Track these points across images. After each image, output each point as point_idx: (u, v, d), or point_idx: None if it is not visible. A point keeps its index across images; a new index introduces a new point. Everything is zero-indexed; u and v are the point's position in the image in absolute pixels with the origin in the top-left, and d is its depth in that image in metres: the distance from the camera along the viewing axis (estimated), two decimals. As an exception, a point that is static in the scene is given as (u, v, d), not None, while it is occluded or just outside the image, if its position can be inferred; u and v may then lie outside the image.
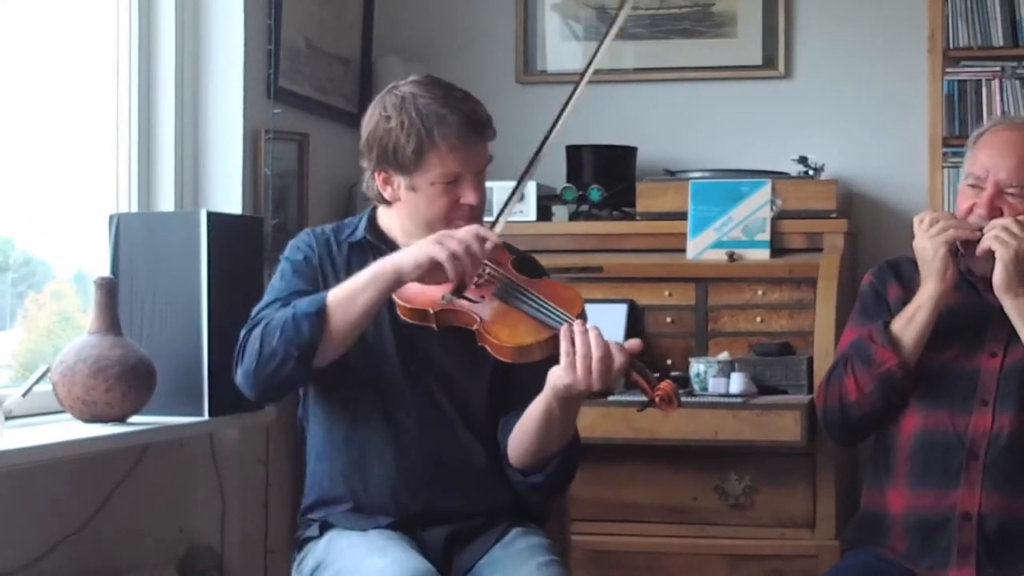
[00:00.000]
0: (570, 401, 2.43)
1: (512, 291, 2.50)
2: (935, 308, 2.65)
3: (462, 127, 2.50)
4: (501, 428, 2.58)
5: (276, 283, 2.62)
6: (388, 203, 2.60)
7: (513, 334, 2.45)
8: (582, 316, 2.46)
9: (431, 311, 2.50)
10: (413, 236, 2.58)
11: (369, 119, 2.57)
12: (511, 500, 2.60)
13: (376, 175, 2.57)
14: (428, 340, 2.55)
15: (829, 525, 3.58)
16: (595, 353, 2.34)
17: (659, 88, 4.41)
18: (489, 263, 2.53)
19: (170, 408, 3.05)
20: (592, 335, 2.35)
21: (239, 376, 2.50)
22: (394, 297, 2.52)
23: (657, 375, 2.43)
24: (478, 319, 2.47)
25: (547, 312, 2.45)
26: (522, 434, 2.51)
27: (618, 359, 2.35)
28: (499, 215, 2.58)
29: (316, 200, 3.98)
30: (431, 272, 2.39)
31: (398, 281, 2.41)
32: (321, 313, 2.40)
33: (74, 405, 2.90)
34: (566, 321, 2.41)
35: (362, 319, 2.43)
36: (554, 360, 2.41)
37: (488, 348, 2.46)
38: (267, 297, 2.60)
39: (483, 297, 2.49)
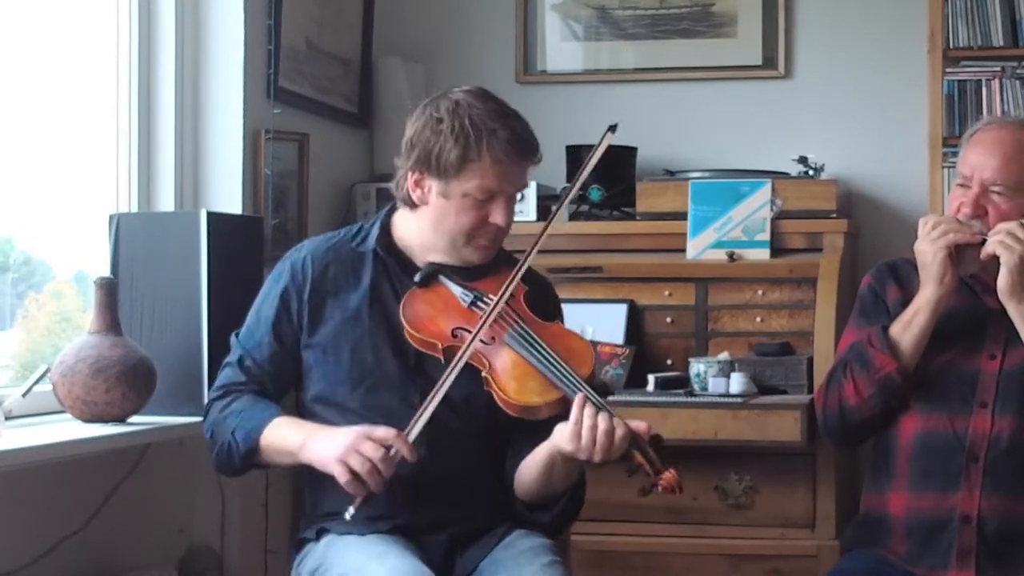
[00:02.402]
0: (571, 462, 2.43)
1: (524, 340, 2.47)
2: (933, 312, 2.65)
3: (510, 144, 2.48)
4: (510, 457, 2.57)
5: (251, 318, 2.64)
6: (413, 206, 2.57)
7: (520, 390, 2.43)
8: (592, 375, 2.45)
9: (440, 345, 2.49)
10: (431, 247, 2.57)
11: (417, 119, 2.54)
12: (513, 512, 2.60)
13: (409, 175, 2.54)
14: (431, 360, 2.53)
15: (829, 525, 3.58)
16: (601, 427, 2.34)
17: (659, 88, 4.41)
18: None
19: (170, 408, 3.05)
20: (603, 412, 2.35)
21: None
22: (403, 321, 2.52)
23: (662, 459, 2.39)
24: (487, 364, 2.45)
25: (558, 372, 2.42)
26: (527, 474, 2.51)
27: (620, 438, 2.35)
28: (417, 418, 2.41)
29: (316, 200, 3.98)
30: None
31: (303, 465, 2.49)
32: (251, 453, 2.53)
33: (74, 405, 2.90)
34: (577, 387, 2.39)
35: (281, 467, 2.62)
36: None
37: (494, 397, 2.44)
38: (243, 335, 2.64)
39: (494, 339, 2.47)
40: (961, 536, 2.61)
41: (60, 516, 2.96)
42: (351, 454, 2.35)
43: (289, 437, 2.48)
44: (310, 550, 2.58)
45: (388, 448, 2.36)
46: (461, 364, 2.42)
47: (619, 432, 2.35)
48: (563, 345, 2.47)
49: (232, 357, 2.64)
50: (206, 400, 2.68)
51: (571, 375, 2.41)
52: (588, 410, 2.35)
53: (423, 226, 2.57)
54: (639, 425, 2.39)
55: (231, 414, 2.55)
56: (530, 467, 2.50)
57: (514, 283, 2.50)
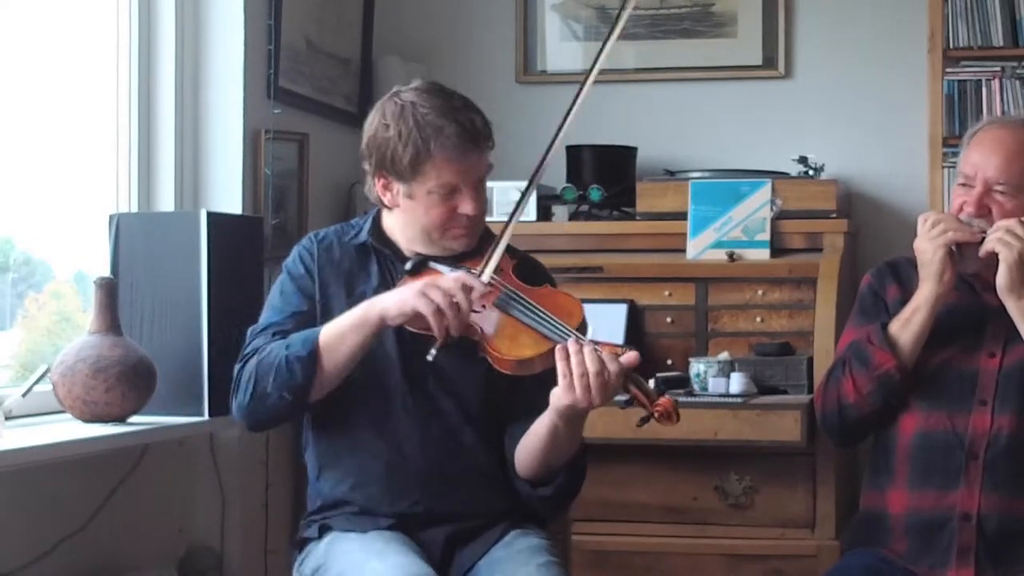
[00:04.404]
0: (574, 418, 2.43)
1: (513, 302, 2.50)
2: (932, 310, 2.65)
3: (458, 139, 2.49)
4: (508, 439, 2.58)
5: (275, 300, 2.63)
6: (387, 207, 2.61)
7: (513, 347, 2.45)
8: (583, 326, 2.46)
9: None
10: (414, 241, 2.60)
11: (369, 125, 2.57)
12: (512, 503, 2.60)
13: (376, 179, 2.58)
14: (428, 344, 2.54)
15: (829, 525, 3.58)
16: (591, 369, 2.34)
17: (659, 88, 4.41)
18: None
19: (170, 408, 3.05)
20: (587, 351, 2.35)
21: (235, 409, 2.55)
22: None
23: (657, 388, 2.43)
24: (479, 331, 2.47)
25: (547, 325, 2.44)
26: (529, 449, 2.51)
27: (614, 374, 2.35)
28: (488, 258, 2.50)
29: (316, 200, 3.98)
30: (417, 320, 2.40)
31: (384, 326, 2.46)
32: (313, 355, 2.45)
33: (74, 405, 2.90)
34: (566, 334, 2.41)
35: (350, 360, 2.48)
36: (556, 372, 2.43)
37: (489, 360, 2.46)
38: (264, 317, 2.62)
39: (484, 307, 2.49)
40: (961, 534, 2.61)
41: (60, 516, 2.97)
42: (431, 288, 2.39)
43: (350, 314, 2.47)
44: (312, 549, 2.59)
45: (464, 286, 2.41)
46: (508, 236, 2.51)
47: (612, 368, 2.35)
48: (551, 303, 2.50)
49: (259, 331, 2.59)
50: (235, 371, 2.57)
51: (561, 326, 2.43)
52: (574, 358, 2.35)
53: (402, 223, 2.61)
54: (629, 357, 2.38)
55: (275, 347, 2.49)
56: (531, 441, 2.50)
57: (504, 240, 2.55)
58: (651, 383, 3.62)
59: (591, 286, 3.86)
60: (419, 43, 4.47)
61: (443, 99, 2.53)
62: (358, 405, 2.56)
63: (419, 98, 2.53)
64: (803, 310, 3.82)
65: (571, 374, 2.35)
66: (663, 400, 2.38)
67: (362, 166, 2.62)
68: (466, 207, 2.54)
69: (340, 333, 2.46)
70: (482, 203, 2.57)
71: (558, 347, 2.37)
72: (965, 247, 2.65)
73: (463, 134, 2.50)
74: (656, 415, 2.38)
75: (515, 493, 2.58)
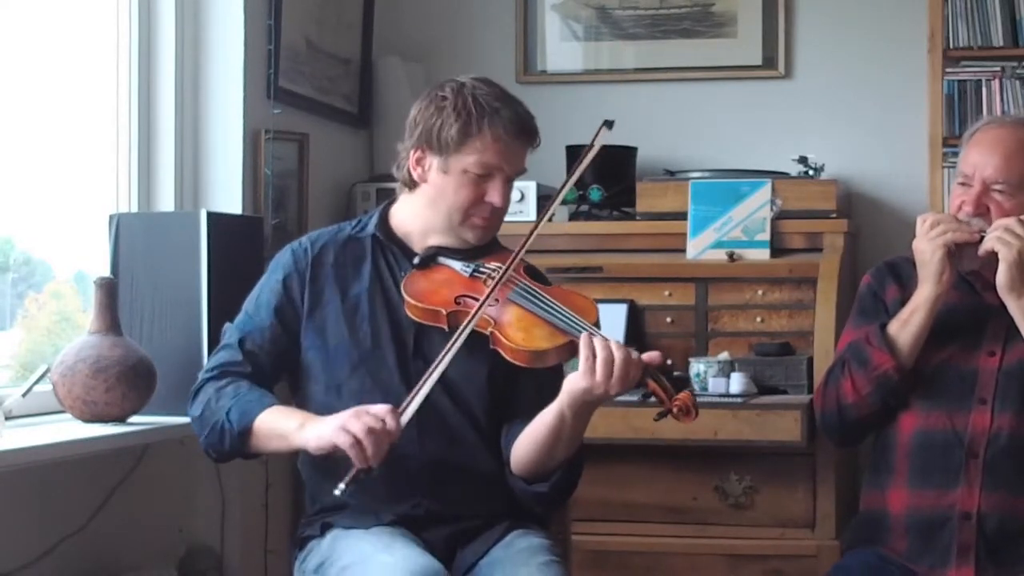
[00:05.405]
0: (583, 409, 2.43)
1: (528, 296, 2.51)
2: (931, 310, 2.65)
3: (512, 123, 2.54)
4: (504, 435, 2.58)
5: (251, 305, 2.65)
6: (413, 186, 2.61)
7: (528, 338, 2.45)
8: (597, 324, 2.47)
9: (443, 312, 2.51)
10: (430, 228, 2.60)
11: (422, 100, 2.61)
12: (511, 503, 2.60)
13: (411, 153, 2.59)
14: (428, 342, 2.55)
15: (829, 525, 3.58)
16: (617, 355, 2.35)
17: (659, 88, 4.41)
18: (502, 266, 2.53)
19: (170, 408, 3.05)
20: (611, 341, 2.37)
21: (190, 418, 2.63)
22: (404, 295, 2.55)
23: (676, 375, 2.43)
24: (492, 322, 2.47)
25: (564, 318, 2.45)
26: (529, 442, 2.51)
27: (636, 366, 2.37)
28: (412, 397, 2.44)
29: (316, 200, 3.98)
30: (337, 450, 2.40)
31: (301, 449, 2.49)
32: (244, 435, 2.51)
33: (74, 405, 2.90)
34: (583, 328, 2.41)
35: (275, 454, 2.61)
36: (560, 369, 2.44)
37: (501, 351, 2.46)
38: (239, 320, 2.65)
39: (497, 300, 2.49)
40: (961, 533, 2.62)
41: (60, 516, 2.96)
42: (351, 421, 2.37)
43: (286, 419, 2.49)
44: (315, 546, 2.59)
45: (383, 421, 2.37)
46: (469, 328, 2.45)
47: (635, 360, 2.37)
48: (567, 300, 2.52)
49: (230, 339, 2.64)
50: (198, 379, 2.63)
51: (577, 320, 2.44)
52: (598, 342, 2.37)
53: (422, 206, 2.61)
54: (652, 356, 2.40)
55: (226, 395, 2.54)
56: (532, 436, 2.49)
57: (522, 251, 2.55)
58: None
59: (591, 286, 3.86)
60: (419, 43, 4.47)
61: (500, 89, 2.60)
62: (355, 403, 2.53)
63: (478, 83, 2.59)
64: (803, 310, 3.82)
65: (594, 359, 2.36)
66: (682, 395, 2.38)
67: (396, 147, 2.63)
68: (494, 196, 2.56)
69: (271, 431, 2.50)
70: (508, 200, 2.60)
71: (584, 335, 2.38)
72: (964, 246, 2.65)
73: (517, 121, 2.56)
74: (674, 411, 2.38)
75: (509, 491, 2.58)
